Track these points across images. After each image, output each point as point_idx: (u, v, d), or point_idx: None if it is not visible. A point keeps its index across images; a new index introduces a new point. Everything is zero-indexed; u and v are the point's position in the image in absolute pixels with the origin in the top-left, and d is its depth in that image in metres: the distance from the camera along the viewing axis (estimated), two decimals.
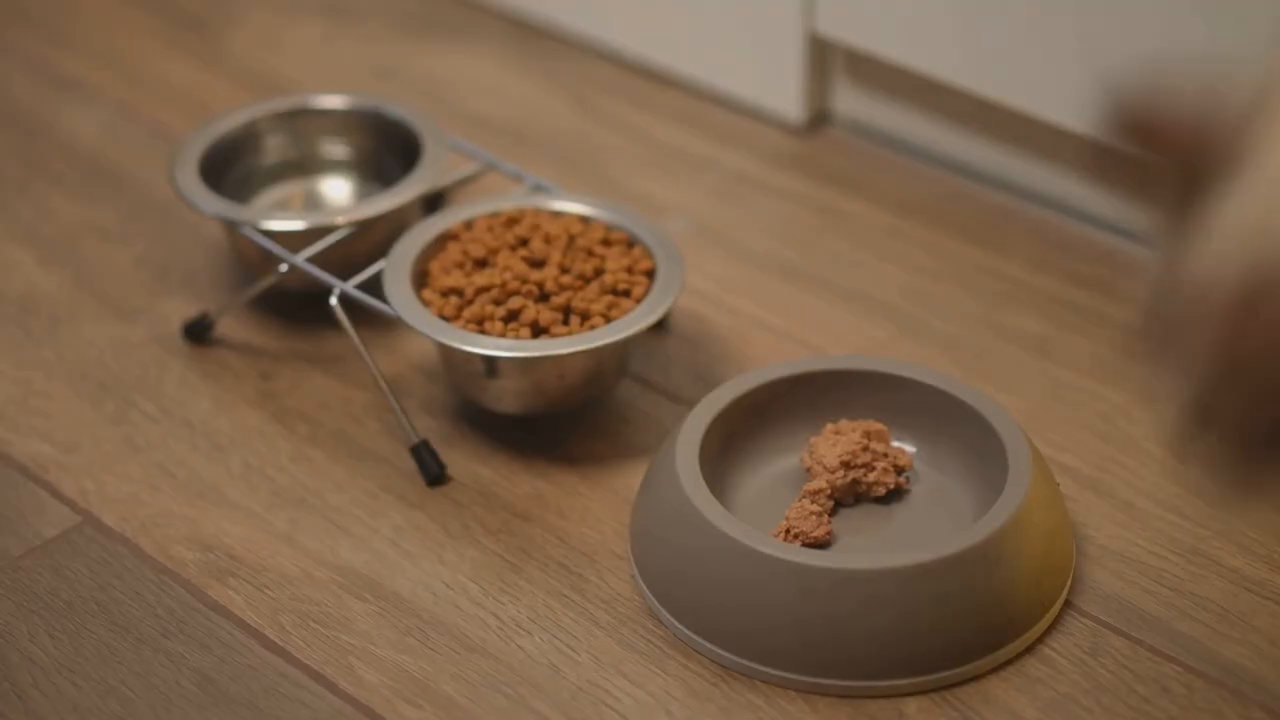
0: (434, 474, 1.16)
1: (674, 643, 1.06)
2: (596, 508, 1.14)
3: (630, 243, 1.21)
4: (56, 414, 1.21)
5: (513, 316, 1.16)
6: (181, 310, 1.29)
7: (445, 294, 1.17)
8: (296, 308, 1.28)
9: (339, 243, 1.23)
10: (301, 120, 1.34)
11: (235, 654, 1.06)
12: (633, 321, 1.15)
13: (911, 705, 1.02)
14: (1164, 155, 0.74)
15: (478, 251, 1.19)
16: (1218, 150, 0.72)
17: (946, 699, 1.02)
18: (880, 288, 1.30)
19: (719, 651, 1.04)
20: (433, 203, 1.32)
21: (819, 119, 1.46)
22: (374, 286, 1.18)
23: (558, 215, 1.22)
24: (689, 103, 1.49)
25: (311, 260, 1.21)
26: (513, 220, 1.22)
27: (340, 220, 1.24)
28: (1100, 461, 1.15)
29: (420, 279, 1.19)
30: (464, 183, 1.32)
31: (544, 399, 1.16)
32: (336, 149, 1.35)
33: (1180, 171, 0.73)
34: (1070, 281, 1.30)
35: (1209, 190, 0.72)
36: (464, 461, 1.17)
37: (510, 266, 1.17)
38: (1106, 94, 0.74)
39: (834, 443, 1.10)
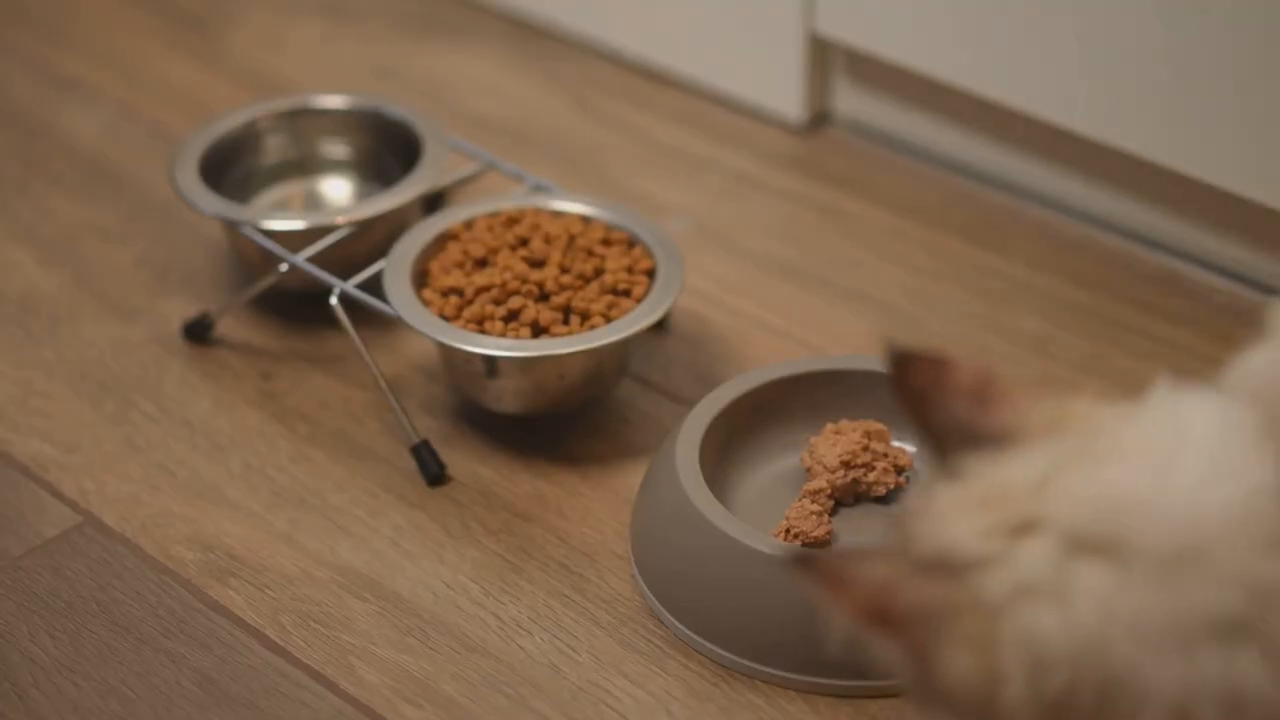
0: (434, 474, 1.16)
1: (674, 642, 1.06)
2: (597, 508, 1.14)
3: (630, 242, 1.21)
4: (56, 414, 1.21)
5: (513, 316, 1.16)
6: (181, 310, 1.29)
7: (445, 294, 1.17)
8: (296, 307, 1.28)
9: (339, 242, 1.23)
10: (301, 120, 1.34)
11: (236, 654, 1.06)
12: (633, 321, 1.15)
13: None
14: (929, 422, 0.81)
15: (478, 251, 1.19)
16: (973, 430, 0.79)
17: None
18: (880, 288, 1.30)
19: (719, 651, 1.04)
20: (433, 203, 1.32)
21: (819, 119, 1.46)
22: (374, 286, 1.18)
23: (558, 215, 1.22)
24: (689, 103, 1.49)
25: (311, 260, 1.21)
26: (513, 220, 1.22)
27: (340, 220, 1.24)
28: None
29: (420, 279, 1.19)
30: (464, 183, 1.32)
31: (544, 399, 1.16)
32: (336, 149, 1.35)
33: (937, 437, 0.80)
34: (1070, 281, 1.30)
35: (953, 462, 0.78)
36: (464, 461, 1.17)
37: (510, 266, 1.17)
38: (891, 354, 0.81)
39: (834, 442, 1.10)
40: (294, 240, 1.23)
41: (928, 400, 0.81)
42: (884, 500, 1.11)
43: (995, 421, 0.79)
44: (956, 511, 0.76)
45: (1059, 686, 0.73)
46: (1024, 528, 0.75)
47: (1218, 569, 0.72)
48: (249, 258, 1.27)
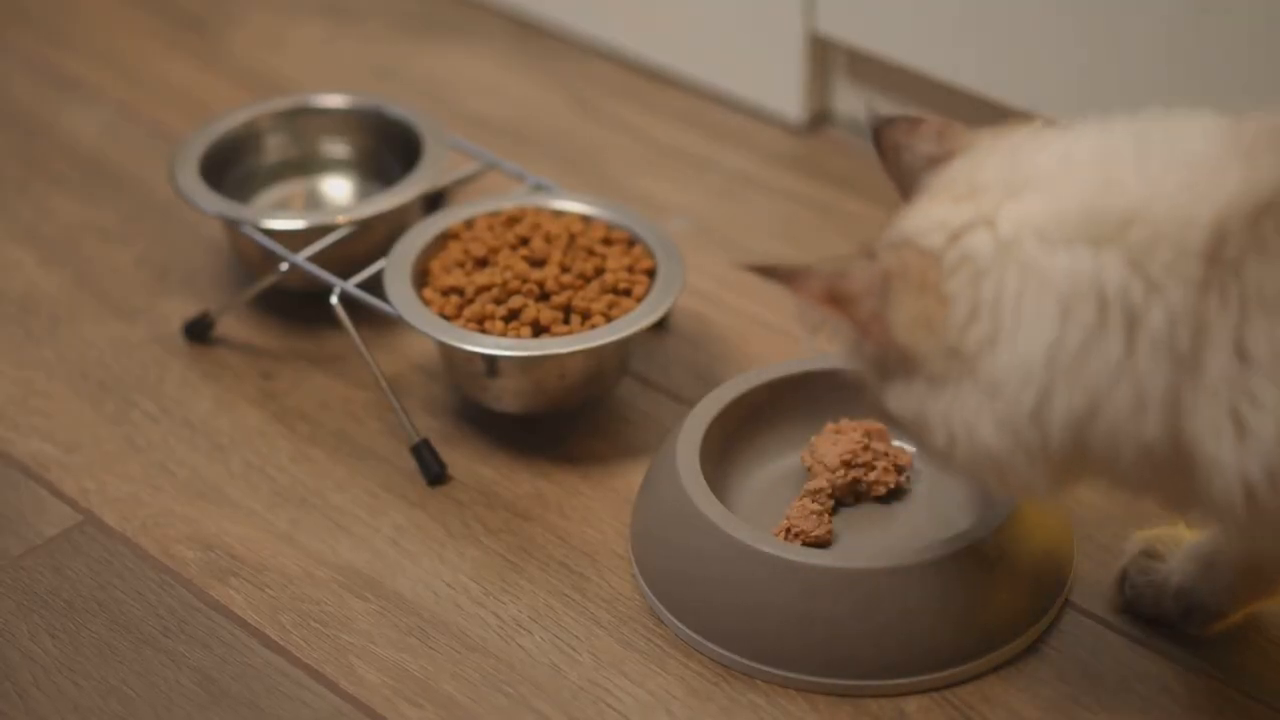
0: (435, 473, 1.16)
1: (674, 642, 1.06)
2: (597, 507, 1.14)
3: (631, 242, 1.21)
4: (57, 414, 1.21)
5: (513, 315, 1.16)
6: (182, 310, 1.29)
7: (446, 293, 1.17)
8: (297, 307, 1.28)
9: (339, 242, 1.23)
10: (302, 120, 1.34)
11: (236, 653, 1.06)
12: (633, 321, 1.15)
13: (912, 704, 1.02)
14: (902, 172, 0.96)
15: (478, 250, 1.19)
16: (935, 160, 0.95)
17: (947, 698, 1.02)
18: None
19: (720, 651, 1.04)
20: (433, 202, 1.32)
21: (819, 119, 1.46)
22: (374, 285, 1.18)
23: (558, 214, 1.22)
24: (689, 103, 1.49)
25: (312, 259, 1.21)
26: (513, 219, 1.22)
27: (341, 219, 1.24)
28: None
29: (421, 278, 1.19)
30: (464, 182, 1.32)
31: (545, 398, 1.16)
32: (337, 148, 1.35)
33: (907, 188, 0.96)
34: None
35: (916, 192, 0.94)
36: (465, 461, 1.17)
37: (511, 265, 1.17)
38: (872, 119, 0.97)
39: (835, 442, 1.10)
40: (294, 239, 1.23)
41: (901, 150, 0.96)
42: (884, 500, 1.11)
43: (951, 146, 0.94)
44: (907, 213, 0.92)
45: (991, 292, 0.88)
46: (964, 196, 0.90)
47: (1086, 181, 0.88)
48: (249, 257, 1.27)
